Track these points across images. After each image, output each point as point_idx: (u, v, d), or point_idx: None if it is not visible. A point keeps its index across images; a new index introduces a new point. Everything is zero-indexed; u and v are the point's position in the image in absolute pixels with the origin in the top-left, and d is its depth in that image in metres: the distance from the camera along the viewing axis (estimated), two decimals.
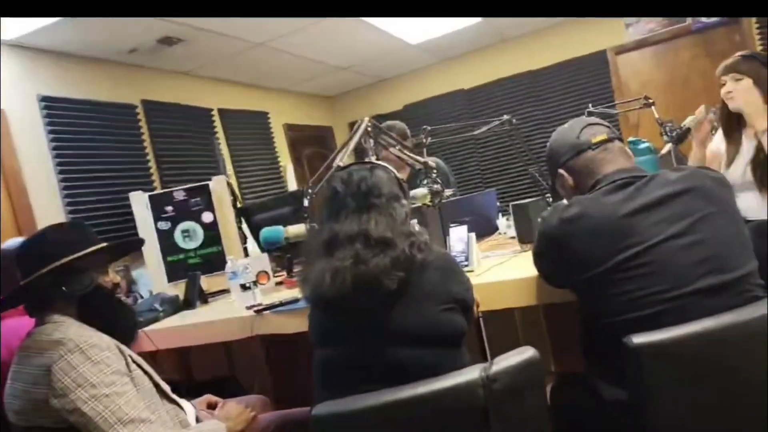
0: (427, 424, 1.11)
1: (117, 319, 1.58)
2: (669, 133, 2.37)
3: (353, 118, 6.37)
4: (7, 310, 1.72)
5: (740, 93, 2.12)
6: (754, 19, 4.71)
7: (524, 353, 1.13)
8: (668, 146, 2.36)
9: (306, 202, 1.96)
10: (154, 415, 1.41)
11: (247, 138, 4.98)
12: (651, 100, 2.43)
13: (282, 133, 5.49)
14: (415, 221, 2.04)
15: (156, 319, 2.51)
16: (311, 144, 5.91)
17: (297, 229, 1.97)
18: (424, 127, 2.18)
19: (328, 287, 1.33)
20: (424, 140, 2.13)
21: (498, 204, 3.19)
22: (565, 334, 2.12)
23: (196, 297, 2.72)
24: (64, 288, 1.49)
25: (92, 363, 1.36)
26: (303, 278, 1.45)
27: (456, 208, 2.84)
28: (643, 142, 2.20)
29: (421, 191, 1.85)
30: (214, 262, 3.01)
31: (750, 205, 2.05)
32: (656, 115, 2.39)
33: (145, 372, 1.53)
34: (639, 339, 1.08)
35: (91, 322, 1.50)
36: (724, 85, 2.18)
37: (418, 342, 1.32)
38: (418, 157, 2.04)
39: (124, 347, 1.51)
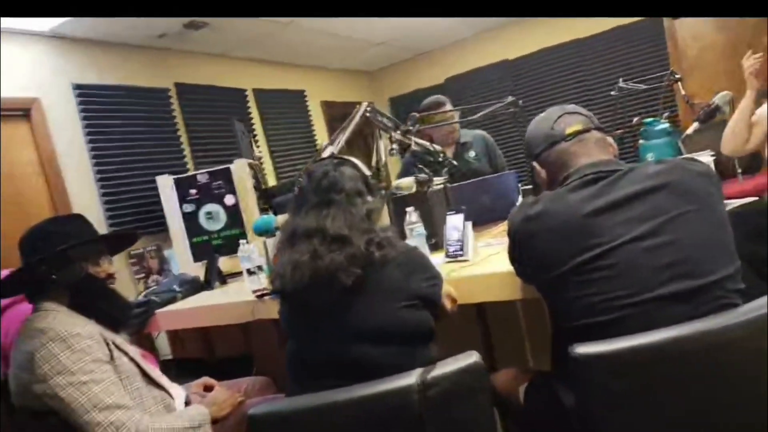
0: (363, 428, 1.09)
1: (107, 307, 1.66)
2: (697, 111, 2.19)
3: (394, 93, 6.29)
4: (7, 296, 1.83)
5: None
6: None
7: (466, 359, 1.10)
8: (694, 125, 2.18)
9: (296, 191, 1.96)
10: (134, 402, 1.48)
11: (283, 118, 5.02)
12: (678, 75, 2.24)
13: (320, 112, 5.51)
14: (411, 209, 2.01)
15: (173, 300, 2.61)
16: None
17: (285, 218, 1.98)
18: (412, 114, 2.11)
19: (289, 280, 1.36)
20: (411, 128, 2.07)
21: (520, 185, 3.07)
22: None
23: (215, 278, 2.81)
24: (53, 276, 1.57)
25: (72, 351, 1.43)
26: (272, 271, 1.48)
27: (471, 190, 2.76)
28: (661, 122, 2.03)
29: (405, 181, 1.81)
30: (236, 243, 3.07)
31: None
32: (682, 92, 2.21)
33: (131, 359, 1.60)
34: (583, 349, 1.02)
35: (82, 311, 1.58)
36: None
37: (375, 339, 1.31)
38: (413, 140, 1.99)
39: (110, 335, 1.58)
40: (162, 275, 3.51)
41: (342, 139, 2.00)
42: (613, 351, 1.00)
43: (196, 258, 3.15)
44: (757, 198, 2.06)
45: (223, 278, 2.86)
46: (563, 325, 1.20)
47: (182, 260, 3.18)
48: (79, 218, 1.78)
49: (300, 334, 1.42)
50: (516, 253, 1.34)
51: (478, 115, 2.31)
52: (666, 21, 4.95)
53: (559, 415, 1.23)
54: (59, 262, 1.57)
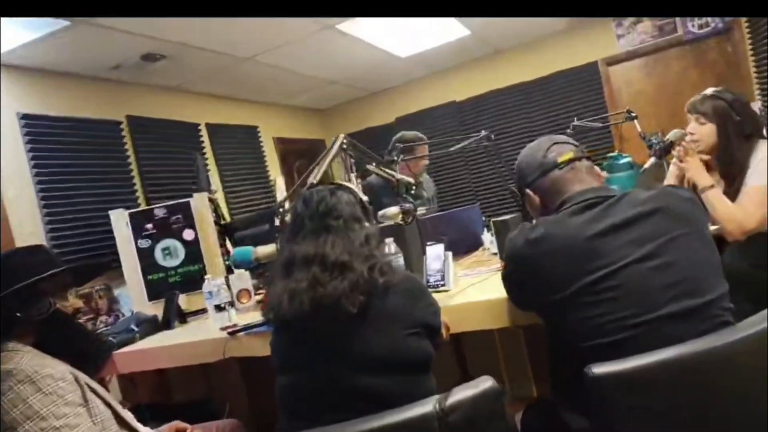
0: None
1: (76, 345, 1.54)
2: (652, 147, 2.33)
3: (345, 130, 6.30)
4: None
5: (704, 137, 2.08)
6: (745, 29, 4.69)
7: (482, 384, 1.09)
8: (651, 160, 2.32)
9: (277, 221, 1.92)
10: None
11: (236, 152, 4.95)
12: (633, 114, 2.39)
13: (272, 147, 5.47)
14: (390, 240, 2.01)
15: (132, 340, 2.46)
16: (303, 157, 5.89)
17: (266, 250, 1.93)
18: (397, 144, 2.14)
19: (287, 309, 1.31)
20: (396, 158, 2.10)
21: (483, 218, 3.15)
22: (546, 358, 2.08)
23: (174, 317, 2.68)
24: (18, 314, 1.44)
25: (43, 394, 1.31)
26: (265, 300, 1.42)
27: (439, 223, 2.80)
28: (624, 157, 2.16)
29: (392, 210, 1.81)
30: (195, 280, 2.96)
31: None
32: (638, 129, 2.35)
33: (104, 401, 1.48)
34: (599, 369, 1.03)
35: (50, 350, 1.46)
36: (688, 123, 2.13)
37: (381, 368, 1.27)
38: (393, 174, 2.00)
39: (81, 375, 1.46)
40: (110, 316, 3.30)
41: (320, 170, 1.98)
42: (629, 369, 1.02)
43: (152, 296, 3.00)
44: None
45: (184, 317, 2.73)
46: (569, 348, 1.22)
47: (136, 299, 3.02)
48: (42, 249, 1.66)
49: (298, 365, 1.36)
50: (516, 277, 1.36)
51: (454, 148, 2.37)
52: (601, 67, 5.32)
53: None
54: (25, 298, 1.45)
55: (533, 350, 2.11)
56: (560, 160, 1.37)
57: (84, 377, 1.47)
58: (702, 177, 2.01)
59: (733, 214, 1.93)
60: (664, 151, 2.30)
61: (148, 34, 3.24)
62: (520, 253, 1.30)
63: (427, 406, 1.05)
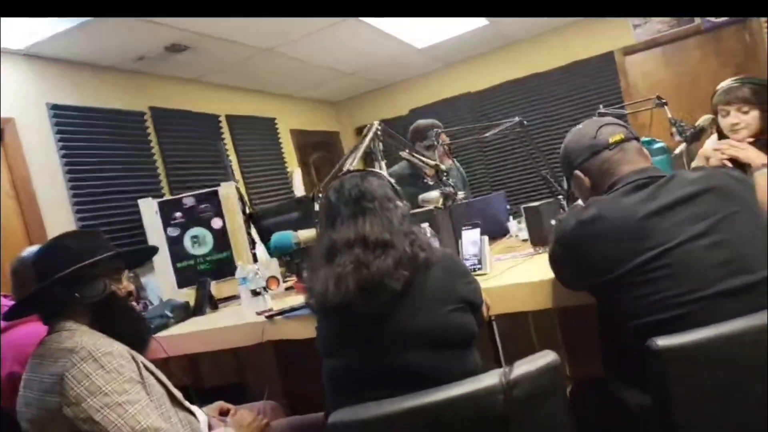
0: (446, 431, 1.08)
1: (130, 326, 1.57)
2: (682, 133, 2.34)
3: (360, 123, 6.36)
4: (22, 317, 1.71)
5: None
6: (763, 19, 4.67)
7: (544, 357, 1.11)
8: (682, 146, 2.33)
9: (317, 207, 1.95)
10: (167, 423, 1.40)
11: (255, 144, 4.98)
12: (663, 100, 2.40)
13: (289, 139, 5.49)
14: (426, 225, 2.04)
15: (166, 326, 2.50)
16: (318, 149, 5.91)
17: (308, 234, 1.97)
18: (435, 129, 2.16)
19: (333, 294, 1.32)
20: (435, 143, 2.11)
21: (507, 206, 3.16)
22: (580, 338, 2.09)
23: (206, 303, 2.71)
24: (77, 295, 1.48)
25: (105, 371, 1.35)
26: (308, 288, 1.44)
27: (466, 210, 2.82)
28: (658, 141, 2.17)
29: (433, 194, 1.84)
30: (224, 267, 3.00)
31: None
32: (669, 115, 2.36)
33: (158, 379, 1.51)
34: (663, 341, 1.06)
35: (105, 330, 1.50)
36: (726, 115, 2.10)
37: (428, 344, 1.30)
38: (428, 160, 2.02)
39: (136, 354, 1.49)
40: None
41: (356, 157, 2.01)
42: (695, 341, 1.05)
43: (181, 284, 3.04)
44: None
45: (215, 303, 2.76)
46: (623, 326, 1.24)
47: (165, 286, 3.05)
48: (95, 234, 1.69)
49: (347, 348, 1.38)
50: (566, 257, 1.38)
51: (489, 133, 2.39)
52: (617, 57, 5.31)
53: (620, 417, 1.26)
54: (82, 280, 1.49)
55: (567, 333, 2.14)
56: (611, 140, 1.39)
57: (139, 356, 1.50)
58: (757, 155, 1.97)
59: None
60: (694, 138, 2.30)
61: (173, 25, 3.26)
62: (573, 234, 1.32)
63: (492, 379, 1.08)
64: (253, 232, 3.21)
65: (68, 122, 3.31)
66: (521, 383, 1.07)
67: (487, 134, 2.37)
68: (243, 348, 2.29)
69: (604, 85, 5.31)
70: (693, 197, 1.24)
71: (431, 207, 1.87)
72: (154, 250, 1.80)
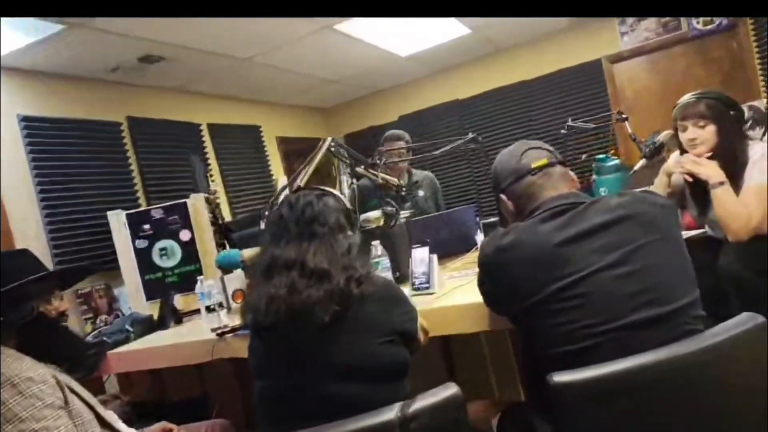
0: None
1: (60, 348, 1.57)
2: (642, 149, 2.32)
3: (348, 129, 6.36)
4: None
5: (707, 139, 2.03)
6: (750, 26, 4.63)
7: (445, 390, 1.09)
8: (641, 161, 2.30)
9: (263, 225, 1.94)
10: None
11: (238, 152, 4.98)
12: (624, 115, 2.38)
13: (275, 147, 5.49)
14: (377, 243, 2.02)
15: (126, 340, 2.50)
16: (305, 156, 5.88)
17: (253, 252, 1.95)
18: (379, 148, 2.15)
19: (264, 315, 1.32)
20: (378, 161, 2.10)
21: (478, 219, 3.14)
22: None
23: (169, 317, 2.71)
24: (1, 318, 1.47)
25: (23, 397, 1.34)
26: (245, 302, 1.43)
27: (431, 224, 2.80)
28: (612, 159, 2.15)
29: (374, 214, 1.82)
30: (192, 280, 2.99)
31: None
32: (629, 130, 2.34)
33: (86, 403, 1.50)
34: (560, 377, 1.04)
35: (31, 353, 1.48)
36: (684, 130, 2.08)
37: (354, 376, 1.29)
38: (378, 175, 2.01)
39: (63, 377, 1.48)
40: (111, 315, 3.34)
41: (307, 172, 2.00)
42: (590, 378, 1.03)
43: (149, 296, 3.03)
44: (703, 231, 2.18)
45: (179, 317, 2.76)
46: (537, 354, 1.22)
47: (133, 299, 3.06)
48: (25, 253, 1.69)
49: (273, 372, 1.37)
50: (488, 283, 1.36)
51: (439, 150, 2.37)
52: (605, 64, 5.27)
53: None
54: (8, 302, 1.48)
55: (519, 352, 2.11)
56: (534, 165, 1.37)
57: (66, 379, 1.49)
58: (715, 172, 1.96)
59: (741, 211, 1.90)
60: (654, 153, 2.28)
61: (145, 37, 3.26)
62: (492, 259, 1.30)
63: (389, 413, 1.06)
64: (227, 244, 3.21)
65: (40, 134, 3.31)
66: (419, 417, 1.06)
67: (436, 152, 2.35)
68: (205, 363, 2.29)
69: (592, 93, 5.28)
70: (609, 225, 1.22)
71: (372, 226, 1.85)
72: (88, 269, 1.80)
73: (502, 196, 1.42)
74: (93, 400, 1.53)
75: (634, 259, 1.19)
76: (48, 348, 1.52)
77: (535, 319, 1.22)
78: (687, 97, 2.10)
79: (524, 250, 1.24)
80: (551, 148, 1.43)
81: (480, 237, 2.89)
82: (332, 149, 2.10)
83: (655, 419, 1.07)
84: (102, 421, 1.52)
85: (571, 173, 1.42)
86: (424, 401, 1.07)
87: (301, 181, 1.95)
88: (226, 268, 2.08)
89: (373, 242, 2.01)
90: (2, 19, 2.64)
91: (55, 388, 1.42)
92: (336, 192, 1.55)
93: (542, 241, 1.23)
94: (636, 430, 1.07)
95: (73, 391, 1.48)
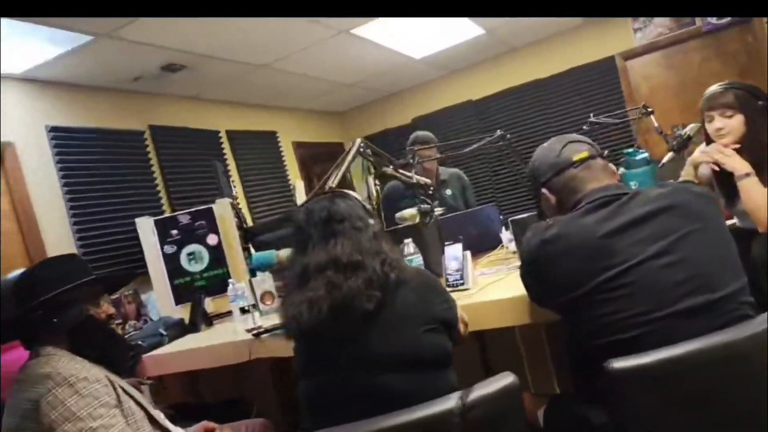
0: None
1: (109, 350, 1.60)
2: (669, 142, 2.32)
3: (363, 133, 6.38)
4: (3, 343, 1.75)
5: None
6: (765, 19, 4.61)
7: (503, 380, 1.11)
8: (669, 155, 2.31)
9: (294, 229, 1.96)
10: None
11: (257, 158, 5.03)
12: (650, 109, 2.38)
13: (291, 152, 5.54)
14: (409, 240, 2.04)
15: (161, 344, 2.54)
16: (322, 161, 5.94)
17: (287, 253, 1.97)
18: (410, 147, 2.17)
19: (306, 319, 1.33)
20: (411, 161, 2.13)
21: (501, 217, 3.16)
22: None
23: (200, 320, 2.75)
24: (55, 320, 1.51)
25: (80, 396, 1.37)
26: (282, 312, 1.45)
27: (457, 222, 2.83)
28: (641, 152, 2.15)
29: (409, 211, 1.85)
30: (220, 284, 3.03)
31: None
32: (655, 124, 2.35)
33: (137, 402, 1.54)
34: (619, 363, 1.06)
35: (83, 354, 1.52)
36: (711, 120, 2.07)
37: (400, 366, 1.30)
38: (410, 176, 2.03)
39: (115, 378, 1.52)
40: (140, 321, 3.39)
41: (338, 174, 2.02)
42: (648, 364, 1.04)
43: (178, 300, 3.07)
44: (732, 221, 2.19)
45: (210, 320, 2.80)
46: (586, 345, 1.23)
47: (163, 303, 3.10)
48: (74, 258, 1.73)
49: (319, 369, 1.39)
50: (533, 277, 1.38)
51: (468, 149, 2.39)
52: (619, 61, 5.27)
53: None
54: (60, 305, 1.52)
55: (554, 347, 2.12)
56: (575, 158, 1.39)
57: (117, 380, 1.53)
58: (740, 163, 1.95)
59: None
60: (682, 146, 2.29)
61: (167, 46, 3.32)
62: (536, 253, 1.32)
63: (449, 402, 1.08)
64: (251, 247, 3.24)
65: (67, 144, 3.37)
66: (478, 406, 1.08)
67: (465, 150, 2.37)
68: (240, 364, 2.32)
69: (606, 90, 5.28)
70: (653, 215, 1.24)
71: (408, 224, 1.87)
72: (132, 274, 1.83)
73: (544, 190, 1.44)
74: (143, 400, 1.57)
75: (679, 248, 1.20)
76: (99, 350, 1.56)
77: (583, 311, 1.23)
78: (714, 88, 2.10)
79: (569, 242, 1.26)
80: (591, 141, 1.45)
81: (505, 235, 2.91)
82: (362, 150, 2.12)
83: (707, 405, 1.09)
84: (152, 420, 1.56)
85: (612, 166, 1.43)
86: (483, 390, 1.09)
87: (333, 182, 1.97)
88: (262, 270, 2.11)
89: (405, 240, 2.04)
90: (34, 31, 2.70)
91: (108, 387, 1.46)
92: (346, 190, 1.59)
93: (587, 232, 1.25)
94: (689, 415, 1.09)
95: (124, 391, 1.52)
